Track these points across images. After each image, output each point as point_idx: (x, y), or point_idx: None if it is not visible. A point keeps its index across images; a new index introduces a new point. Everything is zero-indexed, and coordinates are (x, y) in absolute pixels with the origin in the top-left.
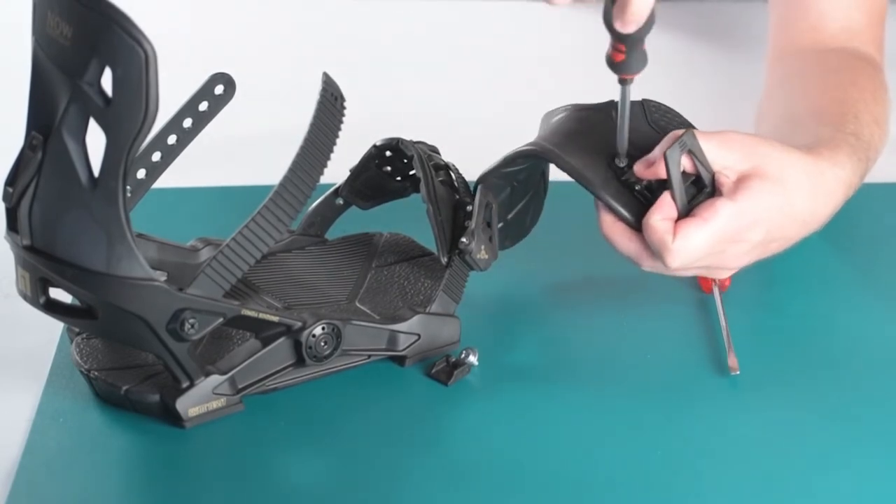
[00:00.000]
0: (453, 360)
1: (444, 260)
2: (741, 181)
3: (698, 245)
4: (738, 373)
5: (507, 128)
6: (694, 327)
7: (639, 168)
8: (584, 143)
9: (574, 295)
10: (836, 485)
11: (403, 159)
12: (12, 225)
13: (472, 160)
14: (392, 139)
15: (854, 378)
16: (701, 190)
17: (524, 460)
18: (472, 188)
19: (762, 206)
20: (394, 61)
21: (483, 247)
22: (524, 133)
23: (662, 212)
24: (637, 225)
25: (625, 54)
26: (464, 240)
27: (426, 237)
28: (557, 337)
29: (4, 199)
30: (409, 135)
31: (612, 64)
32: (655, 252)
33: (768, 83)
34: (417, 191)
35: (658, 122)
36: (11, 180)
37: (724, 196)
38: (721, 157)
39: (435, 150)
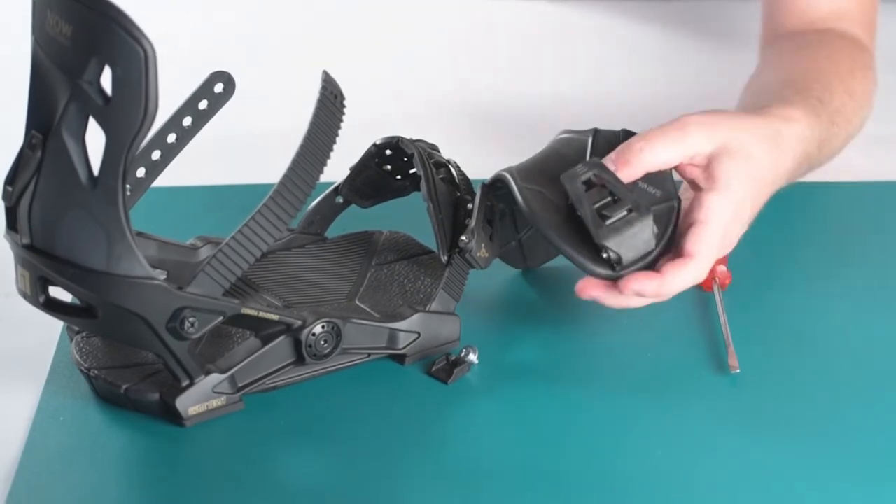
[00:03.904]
0: (453, 358)
1: (444, 258)
2: (712, 166)
3: (712, 246)
4: (738, 371)
5: (507, 126)
6: (694, 326)
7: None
8: (550, 172)
9: (574, 293)
10: (835, 483)
11: (403, 158)
12: (12, 224)
13: (472, 159)
14: (392, 138)
15: (854, 377)
16: (618, 203)
17: (524, 458)
18: (473, 186)
19: (742, 181)
20: (394, 60)
21: (483, 245)
22: (523, 130)
23: (639, 282)
24: (590, 266)
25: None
26: (464, 238)
27: (426, 236)
28: (557, 335)
29: (4, 198)
30: (408, 133)
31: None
32: (684, 284)
33: (757, 66)
34: (417, 189)
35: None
36: (11, 179)
37: (706, 190)
38: (685, 147)
39: (435, 147)
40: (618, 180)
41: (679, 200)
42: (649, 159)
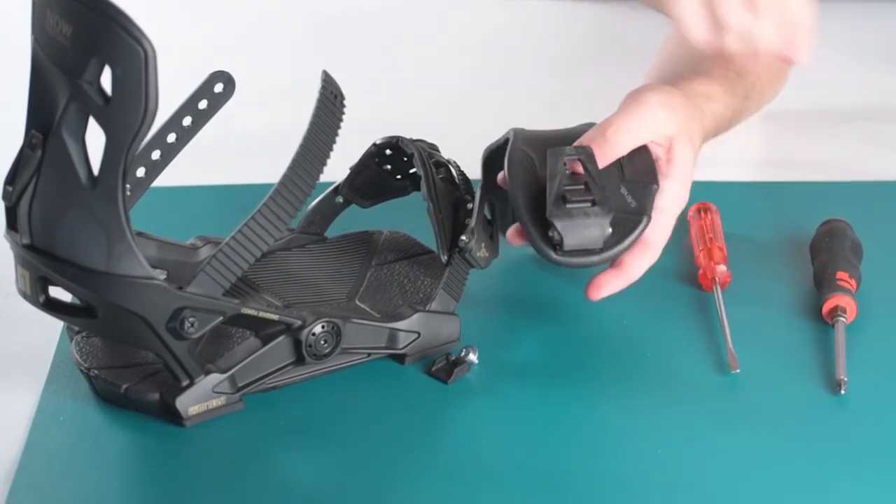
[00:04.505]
0: (453, 358)
1: (444, 258)
2: (674, 151)
3: (668, 231)
4: (738, 371)
5: (507, 126)
6: (694, 325)
7: None
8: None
9: (574, 293)
10: (836, 483)
11: (403, 157)
12: (12, 224)
13: (472, 159)
14: (392, 137)
15: (854, 377)
16: (588, 197)
17: (524, 458)
18: (473, 185)
19: (691, 166)
20: (394, 60)
21: (483, 245)
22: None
23: (608, 285)
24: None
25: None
26: (464, 238)
27: (426, 236)
28: (557, 335)
29: (4, 197)
30: (409, 133)
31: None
32: (644, 270)
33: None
34: (417, 189)
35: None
36: (11, 179)
37: (665, 176)
38: (652, 128)
39: (435, 147)
40: (598, 175)
41: (649, 220)
42: (623, 141)
